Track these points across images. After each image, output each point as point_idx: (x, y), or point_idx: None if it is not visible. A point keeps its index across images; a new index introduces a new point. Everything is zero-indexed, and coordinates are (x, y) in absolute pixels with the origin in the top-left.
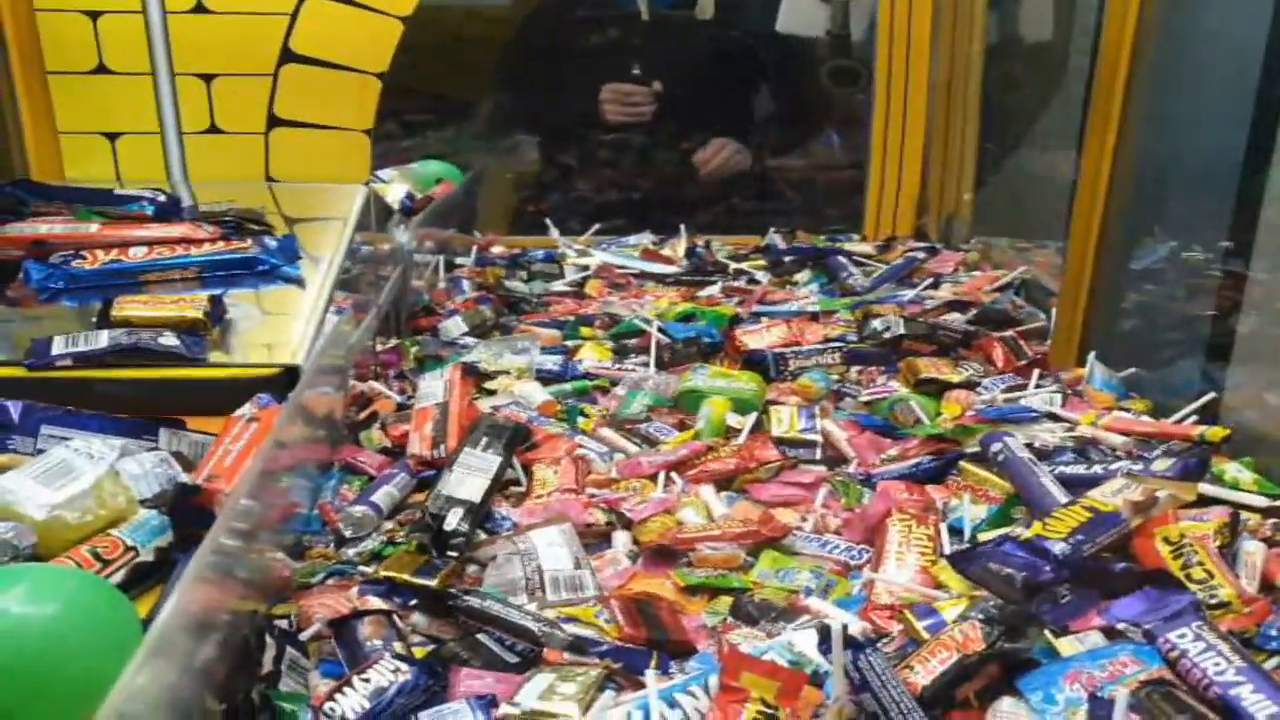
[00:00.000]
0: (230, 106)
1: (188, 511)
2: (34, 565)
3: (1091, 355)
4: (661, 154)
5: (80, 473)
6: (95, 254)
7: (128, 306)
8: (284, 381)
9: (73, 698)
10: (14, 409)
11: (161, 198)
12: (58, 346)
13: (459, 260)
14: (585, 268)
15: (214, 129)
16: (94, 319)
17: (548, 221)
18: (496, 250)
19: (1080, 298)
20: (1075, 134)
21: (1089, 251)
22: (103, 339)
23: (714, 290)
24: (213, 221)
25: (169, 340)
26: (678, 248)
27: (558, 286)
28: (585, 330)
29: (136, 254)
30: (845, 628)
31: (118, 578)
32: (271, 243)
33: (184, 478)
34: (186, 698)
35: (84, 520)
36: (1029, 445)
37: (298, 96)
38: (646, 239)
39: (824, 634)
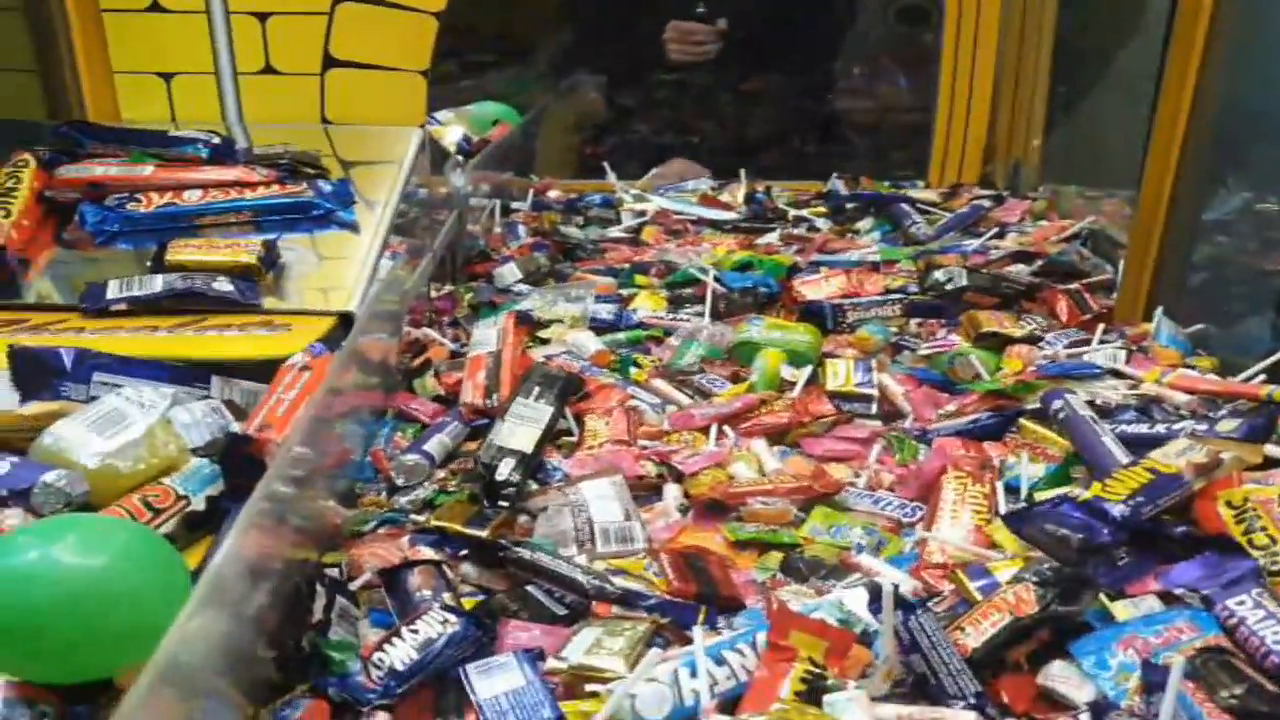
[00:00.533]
0: (286, 46)
1: (239, 461)
2: (83, 515)
3: (1159, 310)
4: (722, 95)
5: (132, 421)
6: (150, 197)
7: (182, 251)
8: (338, 328)
9: (122, 646)
10: (67, 356)
11: (216, 140)
12: (112, 290)
13: (515, 205)
14: (642, 213)
15: (269, 69)
16: (148, 263)
17: (605, 165)
18: (553, 195)
19: (1149, 250)
20: (1153, 78)
21: (1161, 201)
22: (157, 283)
23: (773, 238)
24: (267, 164)
25: (223, 285)
26: (737, 193)
27: (614, 233)
28: (640, 278)
29: (191, 197)
30: (896, 589)
31: (169, 527)
32: (326, 186)
33: (235, 427)
34: (238, 645)
35: (135, 469)
36: (1090, 403)
37: (354, 36)
38: (705, 184)
39: (874, 593)
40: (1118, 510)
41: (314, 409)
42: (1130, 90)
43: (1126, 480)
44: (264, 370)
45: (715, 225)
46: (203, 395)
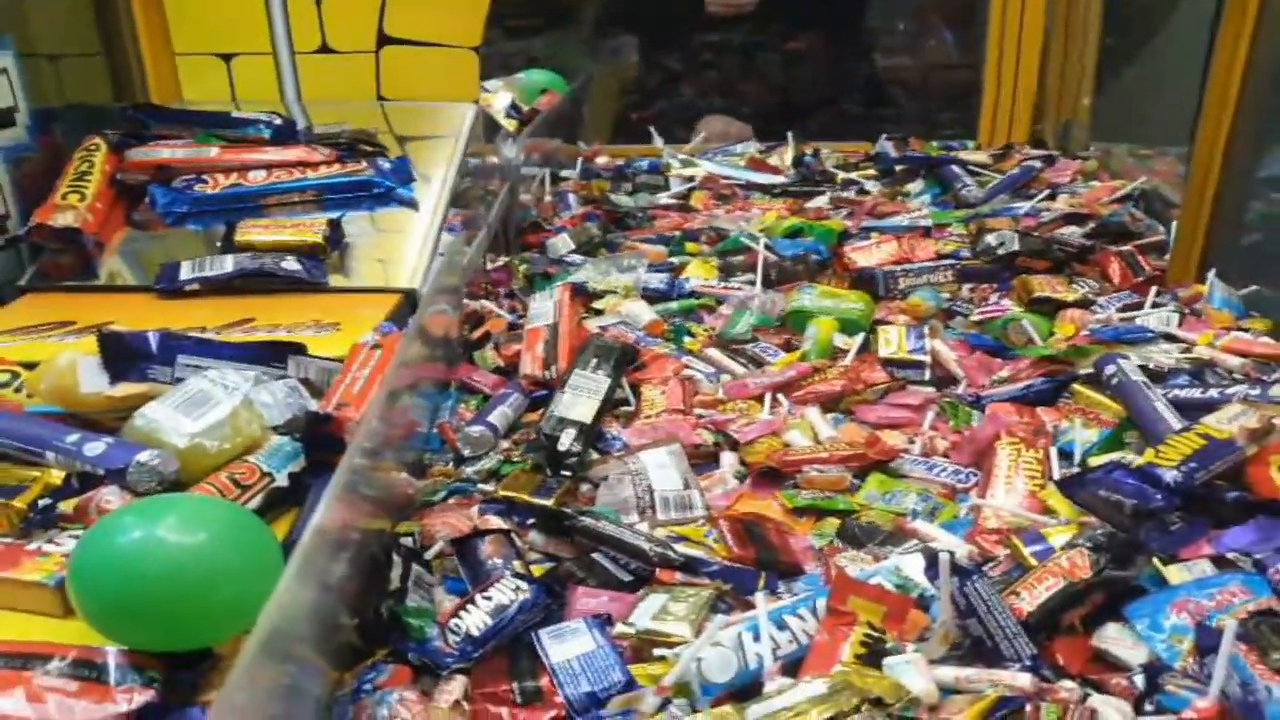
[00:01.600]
0: (341, 25)
1: (319, 438)
2: (181, 495)
3: (1212, 273)
4: (766, 56)
5: (217, 402)
6: (216, 178)
7: (250, 231)
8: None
9: (221, 617)
10: (153, 339)
11: (278, 120)
12: (185, 271)
13: (564, 173)
14: (690, 179)
15: (325, 48)
16: (218, 243)
17: (651, 130)
18: (601, 161)
19: (1203, 210)
20: (1205, 33)
21: (1214, 160)
22: (228, 263)
23: (822, 201)
24: (327, 144)
25: (291, 264)
26: (785, 156)
27: (663, 199)
28: (691, 246)
29: (256, 177)
30: (952, 555)
31: (255, 503)
32: (386, 164)
33: (314, 405)
34: (324, 613)
35: (221, 448)
36: (1143, 368)
37: (407, 14)
38: (752, 147)
39: (931, 559)
40: (1171, 476)
41: (387, 388)
42: (1182, 46)
43: (1179, 446)
44: None
45: (764, 189)
46: (280, 375)
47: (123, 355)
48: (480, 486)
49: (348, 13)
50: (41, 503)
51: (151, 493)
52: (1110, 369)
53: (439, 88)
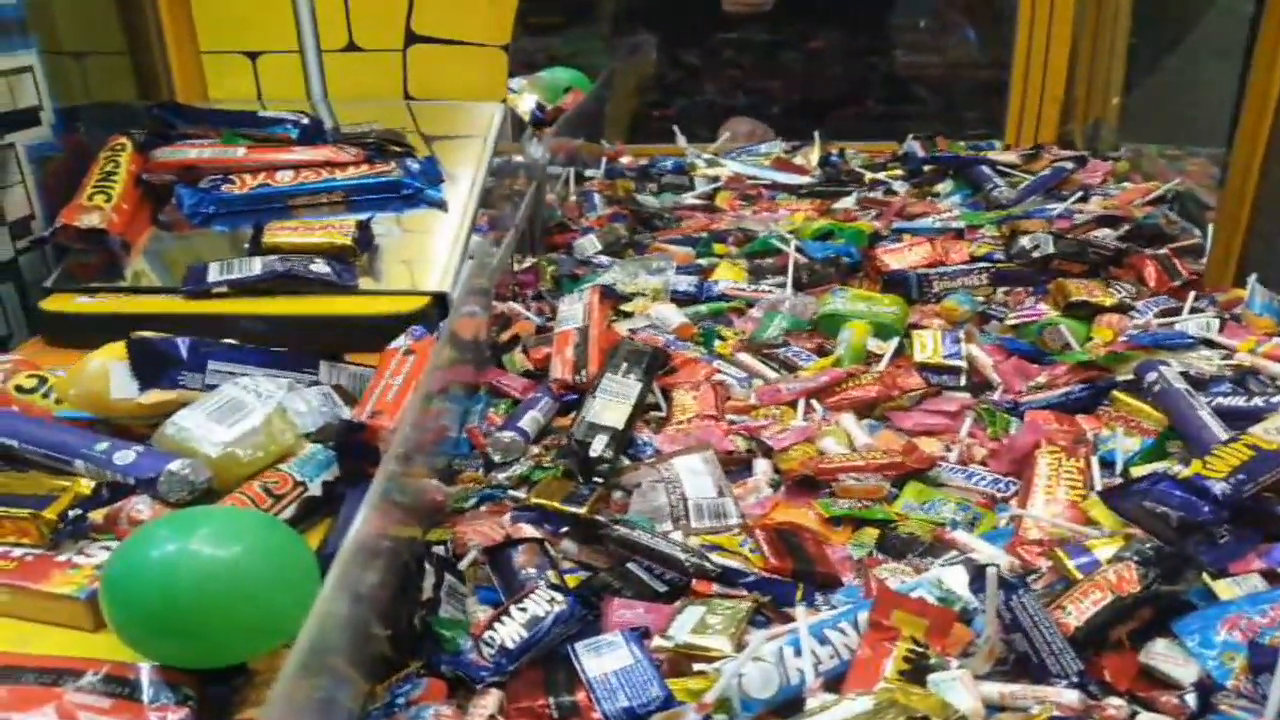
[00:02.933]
0: (368, 23)
1: (353, 447)
2: (216, 508)
3: (1252, 278)
4: (787, 54)
5: (250, 410)
6: (243, 178)
7: (279, 233)
8: (434, 309)
9: (257, 633)
10: (183, 345)
11: (305, 120)
12: (213, 273)
13: (589, 172)
14: (715, 179)
15: (352, 46)
16: (246, 245)
17: (676, 129)
18: (625, 160)
19: (1241, 212)
20: (1244, 31)
21: (1254, 162)
22: (256, 266)
23: (849, 202)
24: (354, 143)
25: (320, 267)
26: (810, 156)
27: (688, 199)
28: (719, 247)
29: (283, 178)
30: (999, 570)
31: (288, 512)
32: (414, 165)
33: (346, 413)
34: (359, 625)
35: (255, 456)
36: (1184, 374)
37: (435, 12)
38: (778, 147)
39: (976, 572)
40: (1219, 488)
41: (421, 397)
42: (1216, 45)
43: (1227, 457)
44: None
45: (790, 189)
46: (312, 380)
47: (153, 361)
48: (511, 493)
49: (376, 11)
50: (72, 513)
51: (183, 502)
52: (1152, 376)
53: (467, 87)
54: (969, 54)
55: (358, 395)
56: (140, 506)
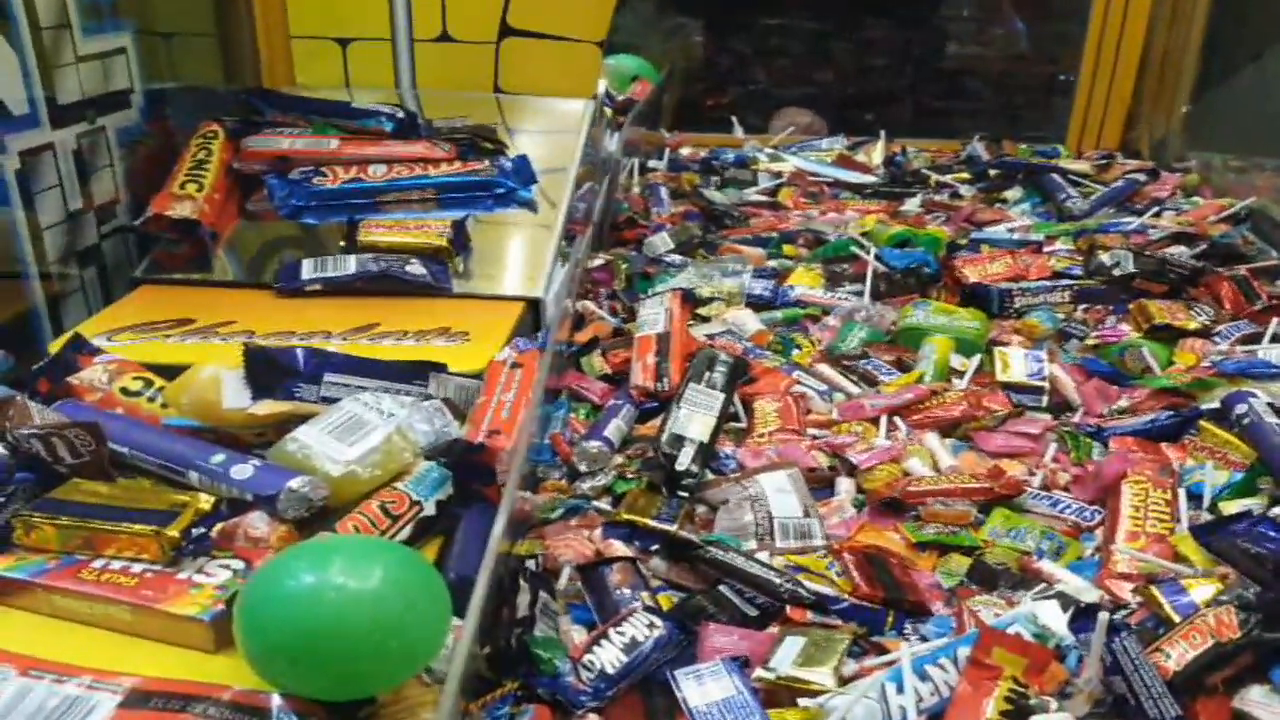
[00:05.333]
0: (464, 14)
1: (470, 468)
2: (350, 538)
3: None
4: (838, 44)
5: (372, 428)
6: (335, 171)
7: (373, 231)
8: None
9: (390, 666)
10: (300, 356)
11: (400, 114)
12: (307, 270)
13: (650, 163)
14: (779, 174)
15: (445, 37)
16: (340, 243)
17: (734, 120)
18: (685, 152)
19: None
20: None
21: None
22: (350, 264)
23: (914, 204)
24: (447, 139)
25: (416, 269)
26: (873, 154)
27: (751, 195)
28: (789, 249)
29: (376, 173)
30: (1111, 616)
31: (405, 533)
32: (507, 164)
33: (456, 428)
34: (468, 647)
35: (373, 475)
36: (1271, 406)
37: (533, 5)
38: (839, 143)
39: (1078, 611)
40: None
41: (532, 411)
42: None
43: None
44: None
45: (853, 188)
46: (422, 394)
47: (269, 371)
48: (595, 504)
49: (472, 2)
50: (195, 531)
51: (300, 520)
52: (1241, 408)
53: (559, 82)
54: (1022, 48)
55: (464, 408)
56: (258, 524)
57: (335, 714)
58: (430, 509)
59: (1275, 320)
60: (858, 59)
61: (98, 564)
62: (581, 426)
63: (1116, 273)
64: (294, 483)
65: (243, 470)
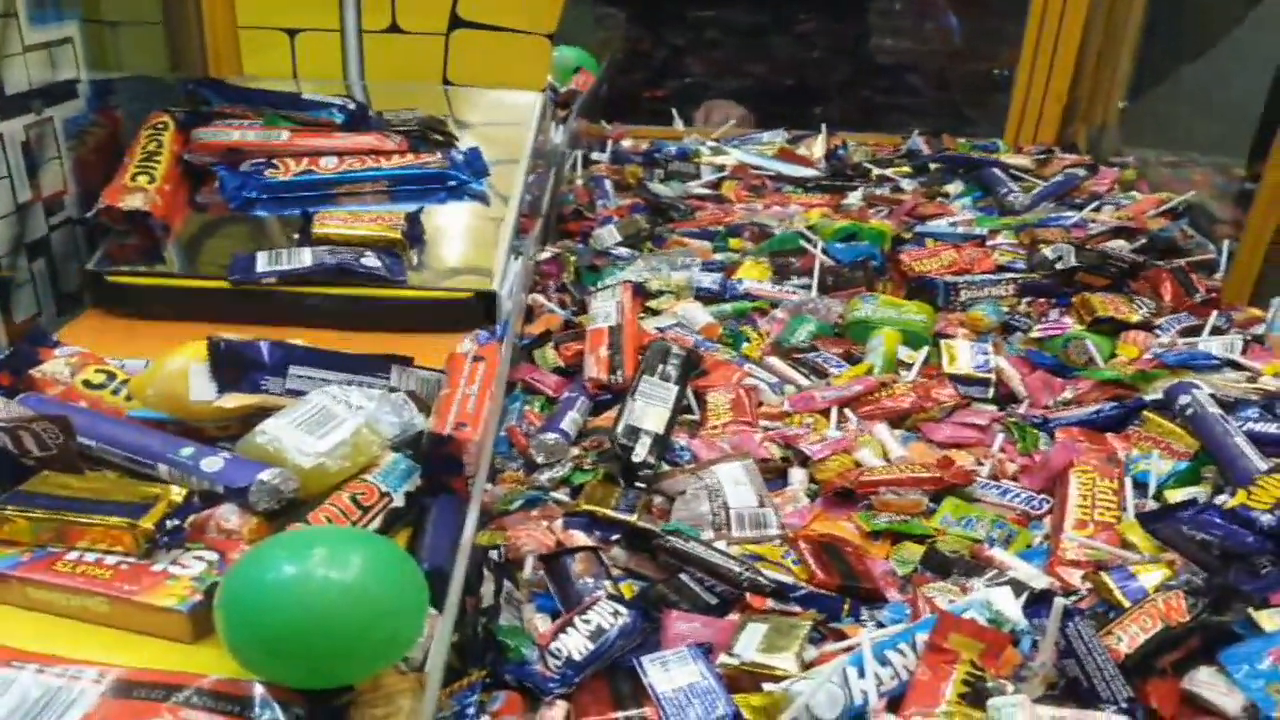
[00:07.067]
0: (413, 5)
1: (439, 460)
2: (328, 529)
3: (1276, 300)
4: (774, 38)
5: (340, 421)
6: (287, 163)
7: (327, 223)
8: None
9: (369, 655)
10: (265, 349)
11: (351, 105)
12: (261, 263)
13: (593, 155)
14: (721, 167)
15: (394, 28)
16: (295, 235)
17: (674, 113)
18: (626, 144)
19: (1265, 231)
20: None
21: None
22: (306, 257)
23: (856, 197)
24: (398, 131)
25: (371, 261)
26: (813, 148)
27: (695, 187)
28: (734, 242)
29: (328, 165)
30: (1065, 602)
31: (375, 524)
32: (459, 156)
33: (421, 421)
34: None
35: (342, 467)
36: (1212, 397)
37: None
38: (780, 136)
39: (1032, 597)
40: (1265, 520)
41: (496, 403)
42: (1243, 49)
43: (1271, 488)
44: None
45: (795, 182)
46: (385, 385)
47: (234, 364)
48: (553, 495)
49: None
50: (169, 523)
51: (271, 511)
52: (1184, 399)
53: (508, 74)
54: (950, 42)
55: (428, 400)
56: (229, 516)
57: (315, 702)
58: (399, 500)
59: (1214, 313)
60: (794, 52)
61: (72, 556)
62: (537, 419)
63: (1059, 266)
64: (265, 475)
65: (213, 463)
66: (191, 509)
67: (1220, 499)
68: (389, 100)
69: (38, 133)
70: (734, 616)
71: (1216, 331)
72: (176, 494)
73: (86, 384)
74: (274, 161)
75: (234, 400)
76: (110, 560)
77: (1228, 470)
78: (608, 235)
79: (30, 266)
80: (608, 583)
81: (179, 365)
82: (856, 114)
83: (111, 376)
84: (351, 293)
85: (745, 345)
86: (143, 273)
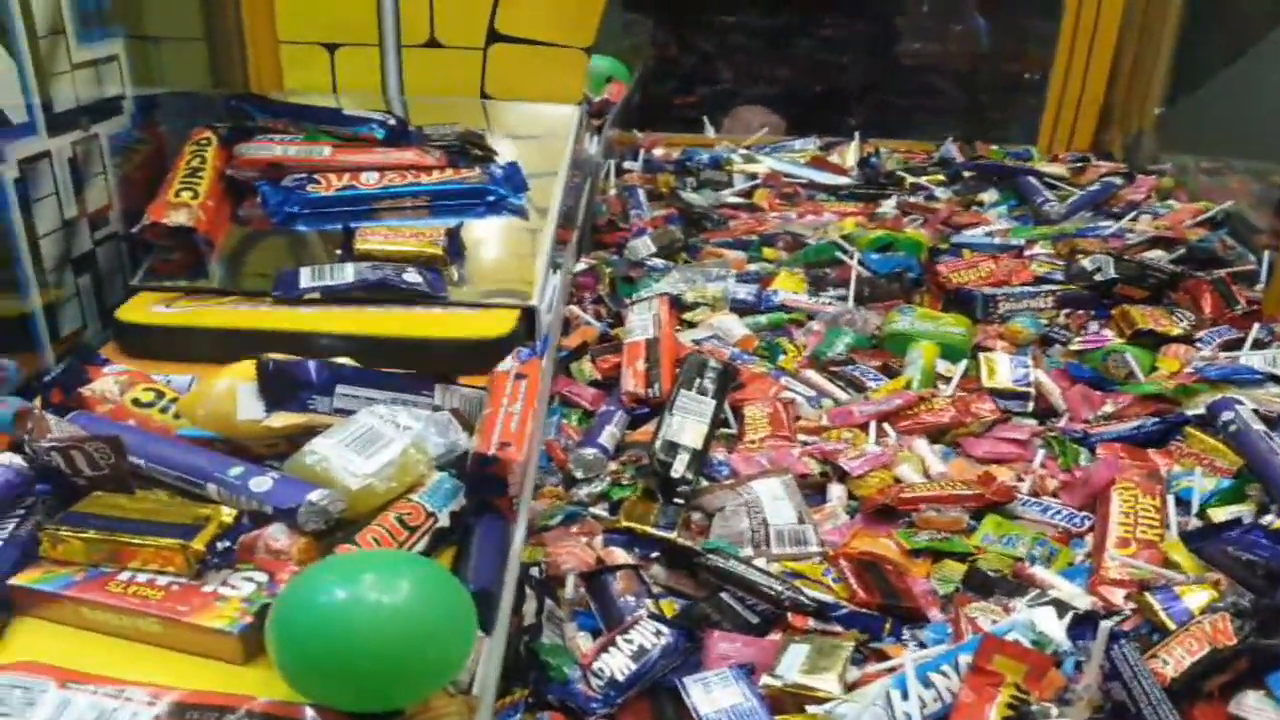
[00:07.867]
0: (452, 19)
1: (483, 480)
2: (378, 553)
3: None
4: (802, 41)
5: (388, 441)
6: (329, 178)
7: (369, 239)
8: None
9: (419, 679)
10: (312, 368)
11: (391, 120)
12: (305, 279)
13: (626, 164)
14: (754, 176)
15: (433, 43)
16: (337, 250)
17: (705, 120)
18: (658, 152)
19: None
20: None
21: None
22: (348, 273)
23: (890, 206)
24: (438, 146)
25: (413, 277)
26: (846, 155)
27: (727, 196)
28: (769, 251)
29: (369, 180)
30: (1112, 626)
31: (421, 545)
32: (498, 171)
33: (465, 440)
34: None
35: (390, 487)
36: (1256, 412)
37: (520, 11)
38: (813, 144)
39: (1063, 613)
40: None
41: (538, 423)
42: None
43: None
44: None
45: (828, 190)
46: (430, 404)
47: (282, 383)
48: (592, 511)
49: (460, 7)
50: (220, 545)
51: (319, 532)
52: (1227, 415)
53: (545, 88)
54: (978, 44)
55: (471, 419)
56: (278, 536)
57: None
58: (444, 520)
59: (1256, 326)
60: (821, 57)
61: (124, 576)
62: (575, 433)
63: (1098, 278)
64: (313, 495)
65: (261, 483)
66: (241, 529)
67: (1266, 519)
68: (428, 114)
69: (84, 149)
70: (775, 635)
71: (1258, 345)
72: (227, 515)
73: (135, 402)
74: (315, 177)
75: (281, 419)
76: (162, 581)
77: (1273, 489)
78: (642, 246)
79: (76, 281)
80: (649, 601)
81: (227, 384)
82: (887, 118)
83: (160, 395)
84: (374, 333)
85: (782, 358)
86: (183, 287)
